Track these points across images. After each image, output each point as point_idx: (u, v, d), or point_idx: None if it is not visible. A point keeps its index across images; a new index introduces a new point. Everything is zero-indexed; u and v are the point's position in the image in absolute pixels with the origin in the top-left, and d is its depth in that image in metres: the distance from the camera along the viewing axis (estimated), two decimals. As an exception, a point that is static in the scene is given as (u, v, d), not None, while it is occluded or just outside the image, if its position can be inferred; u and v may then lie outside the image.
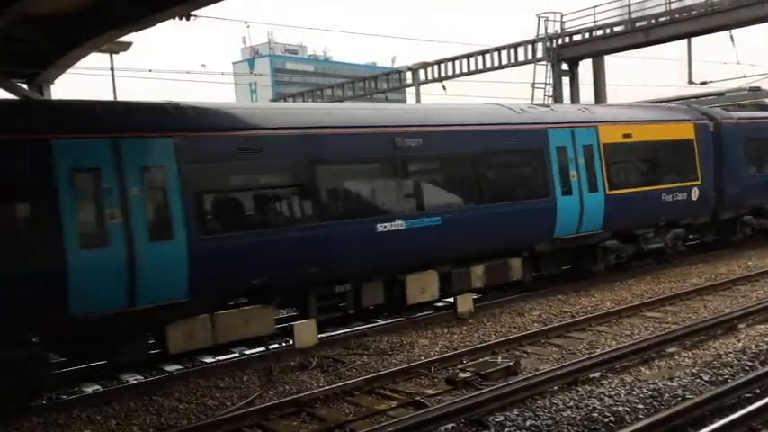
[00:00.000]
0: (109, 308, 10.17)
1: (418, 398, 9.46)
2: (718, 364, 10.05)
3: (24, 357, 9.78)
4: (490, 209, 14.50)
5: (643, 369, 10.14)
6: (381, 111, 15.07)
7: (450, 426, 8.38)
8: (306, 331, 12.29)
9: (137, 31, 15.02)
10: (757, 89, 34.43)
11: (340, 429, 8.70)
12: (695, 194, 18.55)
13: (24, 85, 17.99)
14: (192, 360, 12.27)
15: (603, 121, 17.08)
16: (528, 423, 8.28)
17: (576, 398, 8.98)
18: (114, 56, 21.82)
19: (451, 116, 14.89)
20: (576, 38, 28.48)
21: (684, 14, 24.97)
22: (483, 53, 31.72)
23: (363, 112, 14.60)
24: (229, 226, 11.55)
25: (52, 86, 18.93)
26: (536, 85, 28.75)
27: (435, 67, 34.40)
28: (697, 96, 33.94)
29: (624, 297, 15.14)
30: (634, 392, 9.06)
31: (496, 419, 8.46)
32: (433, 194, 14.04)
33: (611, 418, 8.29)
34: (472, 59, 32.21)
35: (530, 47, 29.77)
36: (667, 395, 8.93)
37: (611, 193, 16.55)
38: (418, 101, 34.77)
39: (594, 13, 27.88)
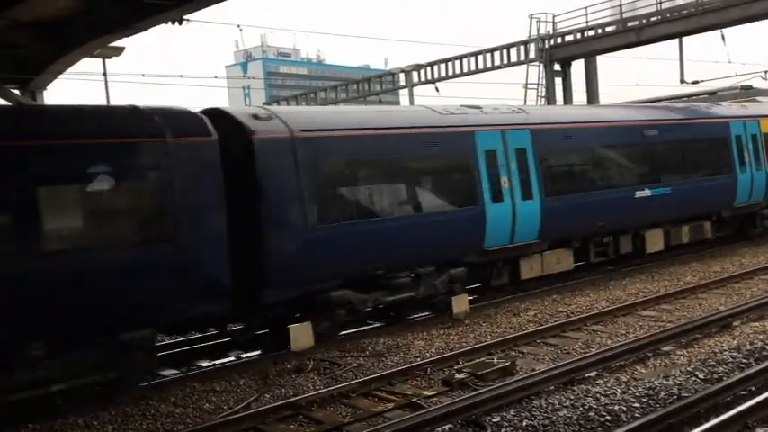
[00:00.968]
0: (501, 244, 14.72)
1: (415, 399, 9.47)
2: (713, 362, 10.08)
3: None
4: (698, 183, 19.08)
5: (638, 368, 10.16)
6: (634, 109, 21.09)
7: (446, 427, 8.39)
8: (302, 334, 12.28)
9: (129, 35, 15.05)
10: (749, 87, 34.62)
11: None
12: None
13: (17, 91, 17.97)
14: (188, 364, 12.25)
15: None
16: (524, 423, 8.30)
17: (572, 397, 9.00)
18: (107, 61, 21.83)
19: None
20: (568, 38, 28.53)
21: (675, 14, 25.04)
22: (476, 54, 31.75)
23: (626, 111, 20.07)
24: (565, 190, 15.95)
25: (45, 92, 18.92)
26: (529, 86, 28.83)
27: (428, 68, 34.45)
28: (689, 95, 34.12)
29: (619, 296, 15.18)
30: (630, 391, 9.09)
31: (493, 420, 8.48)
32: (665, 170, 18.49)
33: (608, 418, 8.31)
34: (465, 61, 32.26)
35: (522, 48, 29.84)
36: (663, 393, 8.96)
37: None
38: (411, 102, 34.79)
39: (586, 14, 27.95)
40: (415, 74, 35.24)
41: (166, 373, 11.87)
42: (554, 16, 29.14)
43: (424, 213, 13.75)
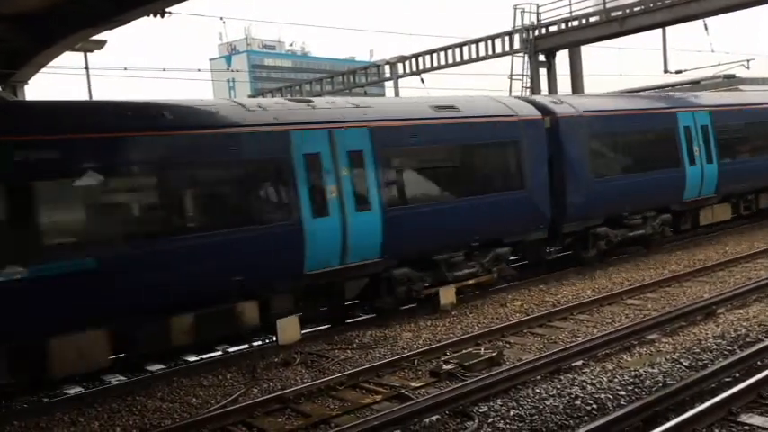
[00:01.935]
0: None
1: (402, 391, 9.49)
2: (698, 350, 10.17)
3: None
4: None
5: (624, 356, 10.24)
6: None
7: (434, 418, 8.41)
8: (289, 327, 12.27)
9: (111, 28, 14.91)
10: (732, 77, 34.82)
11: (325, 424, 8.70)
12: None
13: (-3, 85, 17.79)
14: (174, 359, 12.21)
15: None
16: (512, 413, 8.34)
17: (559, 386, 9.06)
18: (89, 54, 21.63)
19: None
20: (553, 29, 28.54)
21: (659, 4, 25.08)
22: (461, 45, 31.69)
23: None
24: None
25: (26, 86, 18.73)
26: (514, 77, 28.83)
27: (413, 60, 34.37)
28: (673, 85, 34.27)
29: (605, 285, 15.27)
30: (616, 380, 9.15)
31: (480, 410, 8.51)
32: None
33: (594, 406, 8.37)
34: (450, 52, 32.20)
35: (507, 38, 29.82)
36: (648, 381, 9.03)
37: None
38: (397, 94, 34.71)
39: (570, 4, 27.93)
40: (400, 65, 35.15)
41: (153, 368, 11.82)
42: (538, 7, 29.15)
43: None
